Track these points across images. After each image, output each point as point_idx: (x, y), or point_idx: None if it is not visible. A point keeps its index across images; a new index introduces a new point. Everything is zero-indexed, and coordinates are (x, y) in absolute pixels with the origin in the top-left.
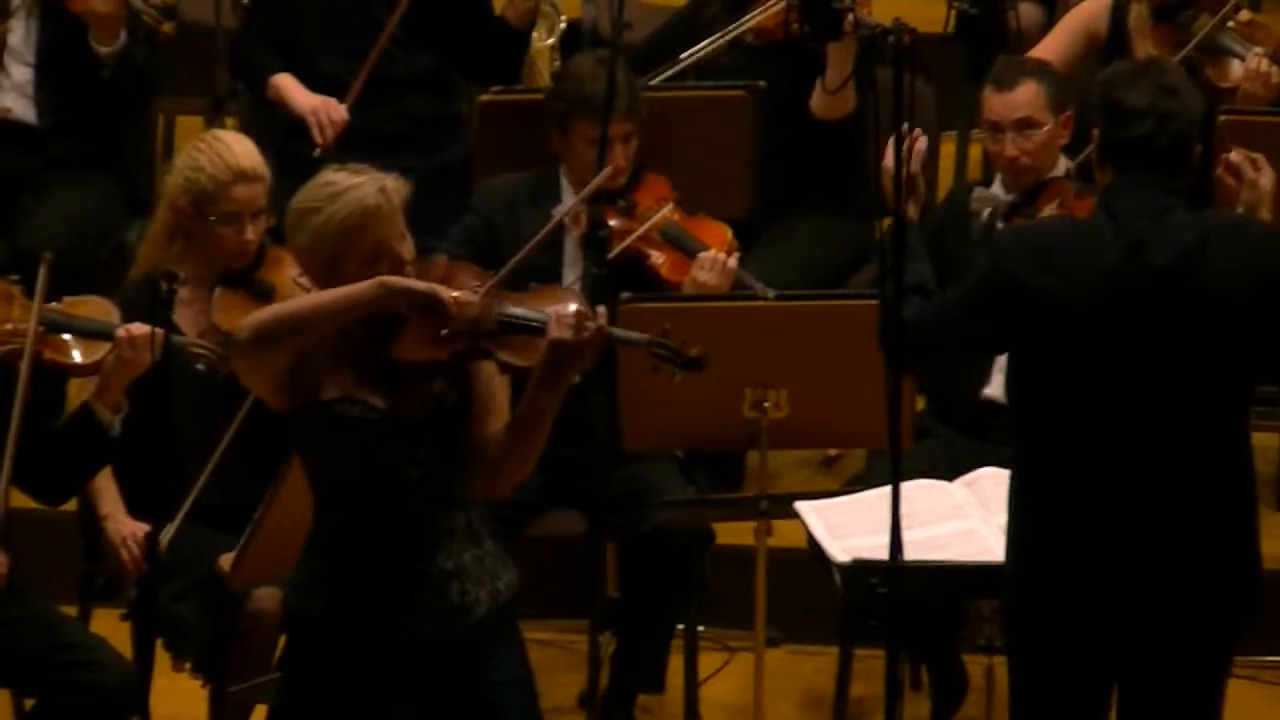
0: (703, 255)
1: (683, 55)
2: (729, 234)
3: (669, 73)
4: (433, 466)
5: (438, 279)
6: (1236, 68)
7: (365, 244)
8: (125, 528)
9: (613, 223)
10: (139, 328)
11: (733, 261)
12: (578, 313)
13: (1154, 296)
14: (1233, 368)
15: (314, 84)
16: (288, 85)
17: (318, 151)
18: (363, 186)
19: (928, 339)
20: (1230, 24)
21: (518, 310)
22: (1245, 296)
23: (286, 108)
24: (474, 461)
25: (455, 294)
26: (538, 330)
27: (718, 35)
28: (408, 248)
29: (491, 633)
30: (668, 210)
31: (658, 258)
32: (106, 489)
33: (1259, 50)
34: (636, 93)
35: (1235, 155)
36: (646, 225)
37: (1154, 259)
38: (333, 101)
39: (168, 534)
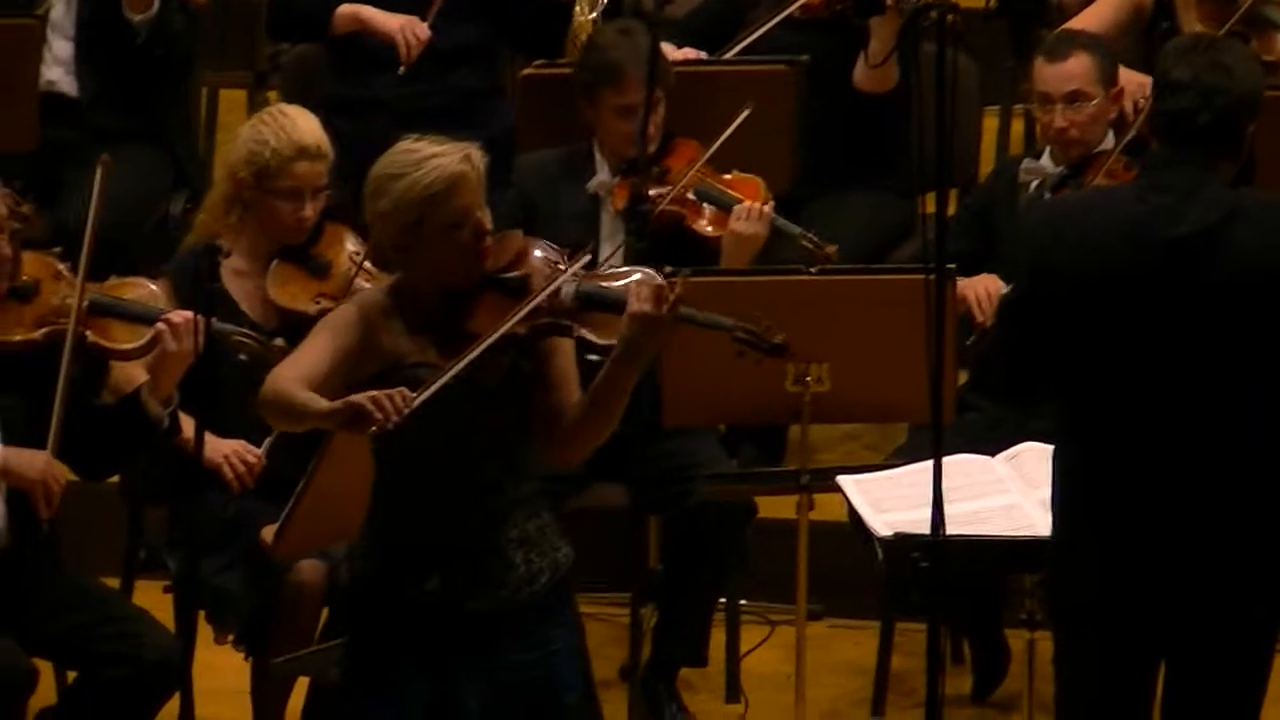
0: (739, 207)
1: (741, 36)
2: (762, 185)
3: (732, 51)
4: (503, 436)
5: (514, 253)
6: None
7: (449, 210)
8: (224, 446)
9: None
10: (179, 315)
11: (768, 209)
12: (658, 287)
13: (1164, 271)
14: (1260, 346)
15: (358, 58)
16: (363, 9)
17: (402, 70)
18: (448, 154)
19: (1007, 348)
20: None
21: (595, 286)
22: (1266, 277)
23: (368, 30)
24: (547, 431)
25: (383, 397)
26: (616, 306)
27: (771, 15)
28: (487, 216)
29: (552, 602)
30: (699, 169)
31: (694, 218)
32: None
33: None
34: (660, 60)
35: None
36: (679, 186)
37: (1168, 233)
38: (415, 19)
39: (265, 447)
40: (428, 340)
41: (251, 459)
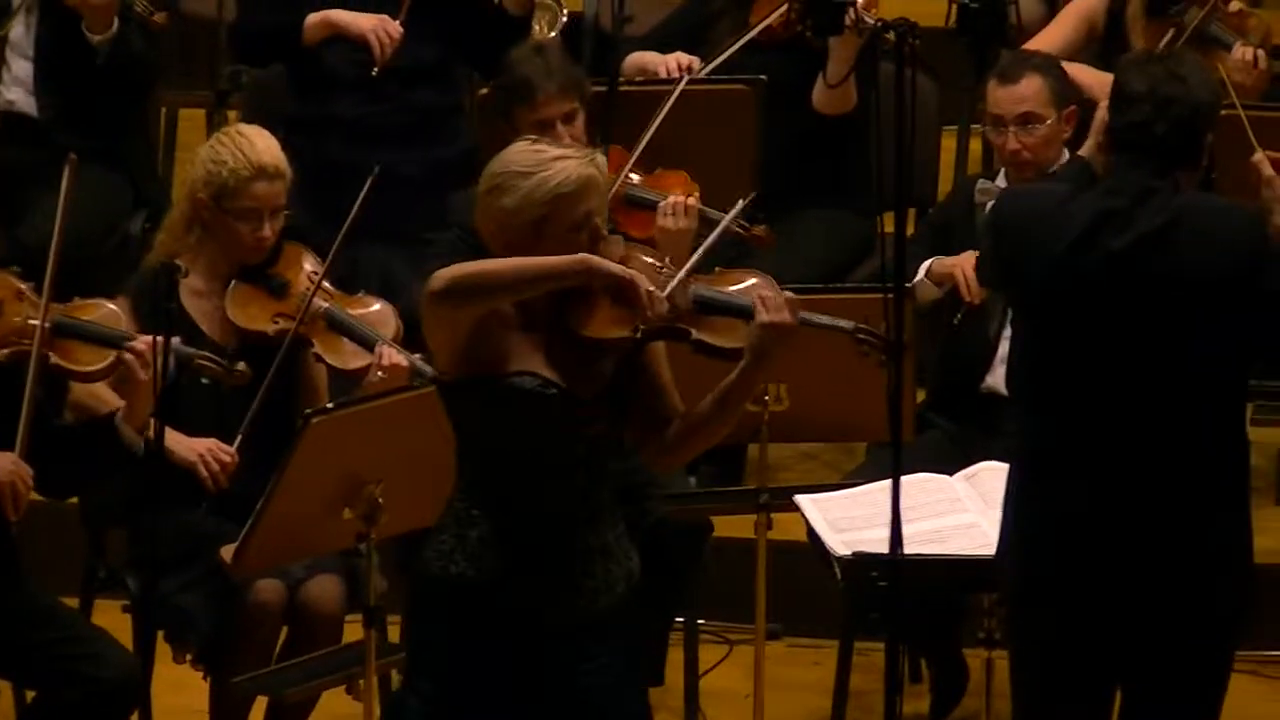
0: (663, 204)
1: (707, 57)
2: (687, 178)
3: (702, 73)
4: (597, 444)
5: (616, 259)
6: (1226, 59)
7: (575, 212)
8: (197, 444)
9: None
10: (144, 341)
11: (693, 201)
12: (787, 297)
13: (1111, 275)
14: (1208, 353)
15: (318, 77)
16: (333, 12)
17: (375, 71)
18: (574, 156)
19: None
20: (1219, 16)
21: (714, 291)
22: (1210, 279)
23: (340, 33)
24: (651, 438)
25: (651, 287)
26: (738, 312)
27: (735, 38)
28: (604, 224)
29: (623, 613)
30: (623, 177)
31: (626, 224)
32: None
33: (1247, 40)
34: (573, 71)
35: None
36: (610, 193)
37: (1114, 238)
38: (386, 18)
39: (236, 443)
40: (536, 340)
41: (226, 457)
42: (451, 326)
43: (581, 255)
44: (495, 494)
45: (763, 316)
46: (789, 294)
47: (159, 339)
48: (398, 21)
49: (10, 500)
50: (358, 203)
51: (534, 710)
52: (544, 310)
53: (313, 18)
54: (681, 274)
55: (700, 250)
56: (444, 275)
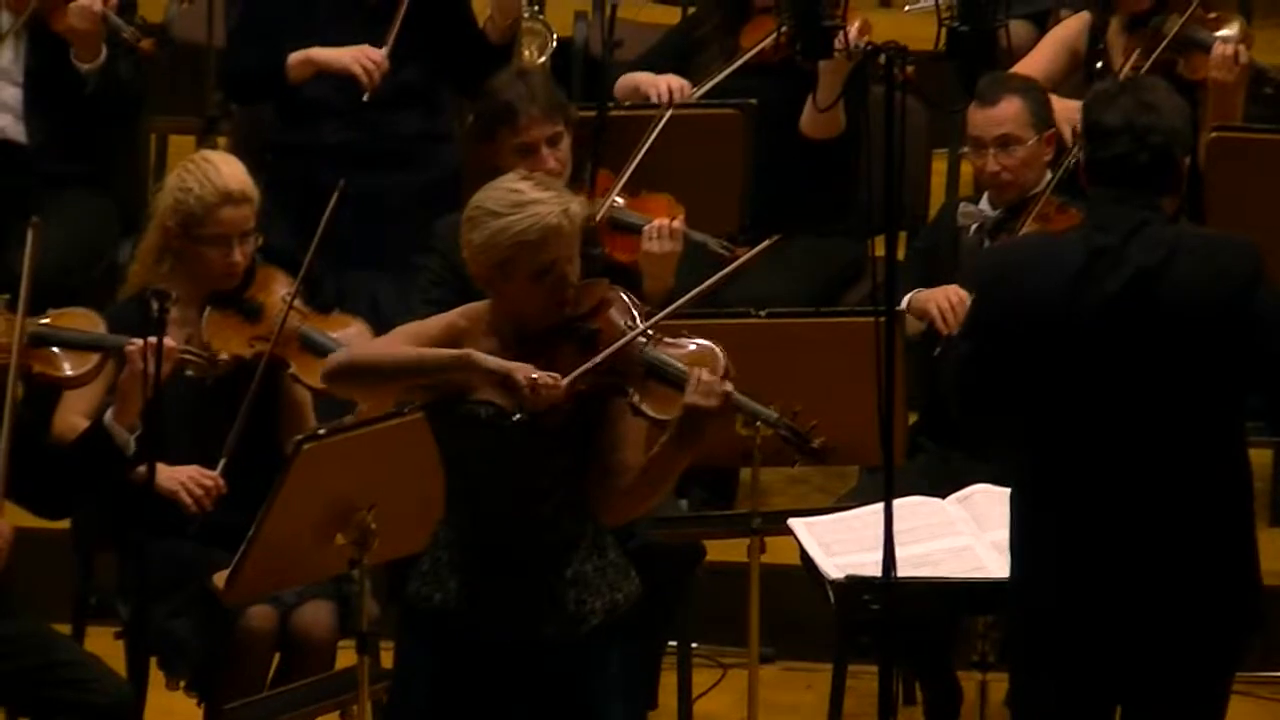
0: (648, 227)
1: (696, 82)
2: (671, 200)
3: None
4: (564, 477)
5: (595, 302)
6: (1205, 59)
7: (538, 260)
8: (179, 473)
9: None
10: (136, 344)
11: (678, 224)
12: (719, 382)
13: (1110, 312)
14: (1208, 383)
15: (304, 104)
16: (313, 51)
17: (366, 96)
18: (548, 204)
19: (962, 390)
20: (1197, 19)
21: (665, 360)
22: (1209, 312)
23: (323, 69)
24: (599, 486)
25: (535, 375)
26: (676, 384)
27: (725, 63)
28: (574, 270)
29: (603, 643)
30: (610, 201)
31: (612, 249)
32: None
33: (1224, 34)
34: (556, 95)
35: None
36: (600, 215)
37: (1109, 275)
38: (366, 47)
39: (220, 468)
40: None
41: (209, 482)
42: (367, 396)
43: (464, 351)
44: (464, 519)
45: (688, 396)
46: (726, 382)
47: (149, 340)
48: (384, 50)
49: None
50: (325, 216)
51: None
52: (510, 344)
53: (294, 58)
54: (584, 368)
55: (661, 314)
56: (333, 360)
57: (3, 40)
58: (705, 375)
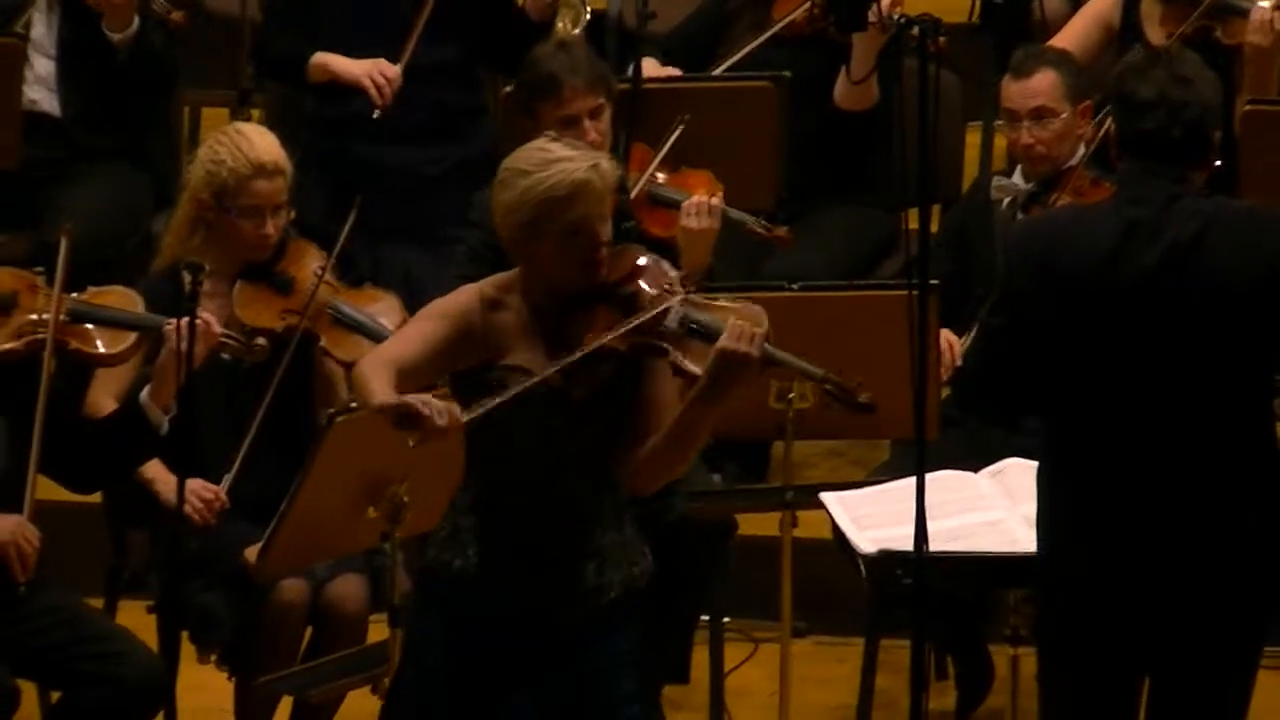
0: (687, 203)
1: (727, 54)
2: (711, 177)
3: (720, 69)
4: (590, 450)
5: (629, 267)
6: (1244, 24)
7: (568, 217)
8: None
9: None
10: (171, 324)
11: (717, 201)
12: (758, 333)
13: (1146, 285)
14: (1242, 356)
15: (332, 85)
16: (330, 59)
17: (376, 114)
18: (576, 160)
19: (990, 370)
20: None
21: (704, 317)
22: (1246, 285)
23: (337, 79)
24: (628, 454)
25: (439, 405)
26: (716, 340)
27: (756, 34)
28: (606, 230)
29: (617, 616)
30: (649, 175)
31: (649, 222)
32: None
33: (1265, 2)
34: (599, 67)
35: None
36: (638, 188)
37: (1146, 248)
38: (381, 61)
39: (226, 484)
40: (534, 341)
41: (209, 495)
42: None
43: (388, 399)
44: (487, 487)
45: (724, 340)
46: (764, 332)
47: (183, 321)
48: (399, 65)
49: (18, 562)
50: (343, 233)
51: (523, 702)
52: (544, 310)
53: (314, 60)
54: (627, 326)
55: (696, 275)
56: (358, 364)
57: (28, 10)
58: (739, 325)
